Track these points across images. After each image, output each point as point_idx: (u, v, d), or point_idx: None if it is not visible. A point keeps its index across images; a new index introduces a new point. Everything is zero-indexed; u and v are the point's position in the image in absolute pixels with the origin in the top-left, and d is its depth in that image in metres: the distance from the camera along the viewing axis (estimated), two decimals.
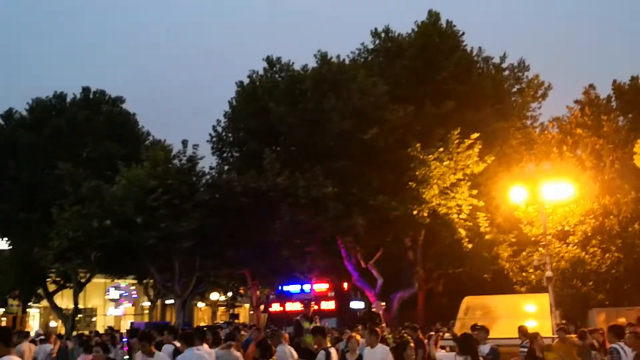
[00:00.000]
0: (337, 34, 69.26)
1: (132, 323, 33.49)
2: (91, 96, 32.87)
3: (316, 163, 23.16)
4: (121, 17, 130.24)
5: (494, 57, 28.75)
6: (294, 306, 31.01)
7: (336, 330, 18.43)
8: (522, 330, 11.50)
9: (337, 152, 23.62)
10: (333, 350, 9.02)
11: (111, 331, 22.67)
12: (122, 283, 37.39)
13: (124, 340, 17.34)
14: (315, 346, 9.88)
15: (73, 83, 36.11)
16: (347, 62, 26.81)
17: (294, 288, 32.24)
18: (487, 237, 22.92)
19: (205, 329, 11.76)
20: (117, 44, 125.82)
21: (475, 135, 22.22)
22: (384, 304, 20.27)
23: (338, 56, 26.08)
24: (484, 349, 9.80)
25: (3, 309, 32.16)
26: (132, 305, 43.66)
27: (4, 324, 31.57)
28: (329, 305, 31.07)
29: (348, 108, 23.43)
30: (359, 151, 23.38)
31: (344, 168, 23.27)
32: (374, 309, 23.58)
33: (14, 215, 29.13)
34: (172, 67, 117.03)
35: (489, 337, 10.70)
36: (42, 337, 18.99)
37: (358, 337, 11.51)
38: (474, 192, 22.48)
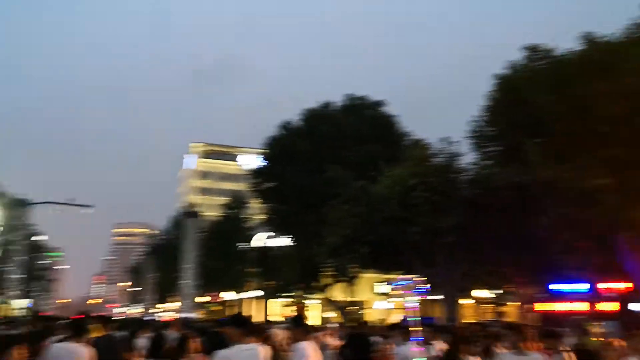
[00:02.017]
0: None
1: (402, 318, 34.71)
2: (354, 102, 35.02)
3: (585, 152, 21.45)
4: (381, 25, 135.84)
5: None
6: (566, 306, 29.03)
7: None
8: None
9: (609, 139, 21.57)
10: None
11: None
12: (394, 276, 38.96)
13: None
14: None
15: (338, 91, 38.82)
16: (615, 40, 24.25)
17: (566, 287, 30.16)
18: None
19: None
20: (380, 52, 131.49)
21: None
22: None
23: (604, 36, 23.78)
24: None
25: (290, 299, 35.94)
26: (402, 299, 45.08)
27: (291, 312, 35.27)
28: (608, 306, 28.40)
29: (621, 90, 21.24)
30: (636, 136, 21.03)
31: (619, 156, 21.13)
32: None
33: (293, 216, 32.39)
34: (430, 68, 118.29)
35: None
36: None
37: None
38: None
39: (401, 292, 13.03)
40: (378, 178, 26.21)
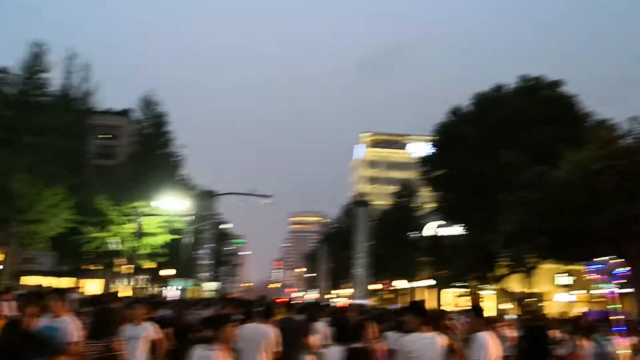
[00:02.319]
0: None
1: (585, 311, 32.44)
2: (528, 83, 33.21)
3: None
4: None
5: None
6: None
7: None
8: None
9: None
10: None
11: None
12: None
13: None
14: None
15: (511, 73, 36.94)
16: None
17: None
18: None
19: None
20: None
21: None
22: None
23: None
24: None
25: (464, 289, 35.30)
26: (586, 292, 42.26)
27: (466, 303, 34.61)
28: None
29: None
30: None
31: None
32: None
33: (465, 204, 31.61)
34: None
35: None
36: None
37: None
38: None
39: (595, 277, 11.93)
40: (556, 163, 24.65)
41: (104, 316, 10.38)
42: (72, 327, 7.31)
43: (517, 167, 25.97)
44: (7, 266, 33.04)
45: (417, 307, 6.31)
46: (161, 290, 53.08)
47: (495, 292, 40.42)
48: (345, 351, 5.28)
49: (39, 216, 29.11)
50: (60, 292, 7.97)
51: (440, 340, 6.01)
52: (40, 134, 32.94)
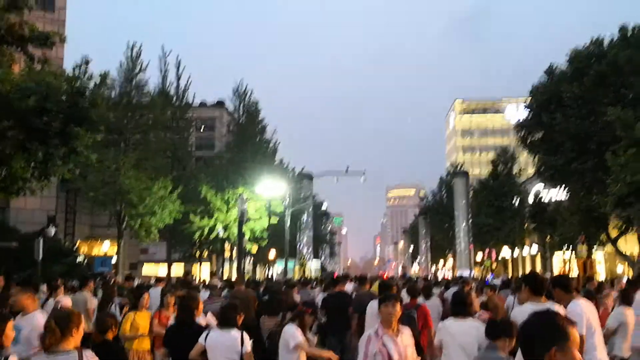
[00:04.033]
0: None
1: None
2: (630, 33, 31.03)
3: None
4: None
5: None
6: None
7: None
8: None
9: None
10: None
11: None
12: None
13: None
14: None
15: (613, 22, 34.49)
16: None
17: None
18: None
19: None
20: None
21: None
22: None
23: None
24: None
25: (573, 253, 33.90)
26: None
27: (574, 269, 33.34)
28: None
29: None
30: None
31: None
32: None
33: (568, 166, 30.25)
34: None
35: None
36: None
37: None
38: None
39: None
40: None
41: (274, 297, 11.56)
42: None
43: (624, 123, 24.46)
44: (124, 257, 35.44)
45: (530, 278, 6.17)
46: (267, 272, 54.86)
47: (603, 254, 38.67)
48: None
49: (149, 209, 30.87)
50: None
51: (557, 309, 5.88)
52: (144, 131, 34.84)
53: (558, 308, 5.85)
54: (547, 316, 2.58)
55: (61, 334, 4.33)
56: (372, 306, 8.14)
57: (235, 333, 6.19)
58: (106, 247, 39.23)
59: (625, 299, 8.53)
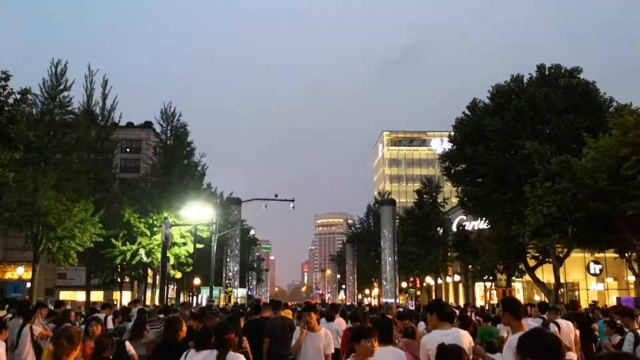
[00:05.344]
0: None
1: (617, 298, 32.04)
2: (547, 72, 32.84)
3: None
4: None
5: None
6: None
7: None
8: None
9: None
10: None
11: None
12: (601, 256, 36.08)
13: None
14: None
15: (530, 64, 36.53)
16: None
17: None
18: None
19: None
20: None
21: None
22: None
23: None
24: None
25: (493, 283, 34.94)
26: (615, 280, 41.83)
27: (496, 297, 34.32)
28: None
29: None
30: None
31: None
32: None
33: (489, 197, 31.36)
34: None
35: None
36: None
37: None
38: None
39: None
40: (581, 151, 24.37)
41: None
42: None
43: (541, 158, 25.70)
44: (40, 282, 33.64)
45: (436, 305, 6.29)
46: (192, 299, 53.47)
47: (521, 283, 40.09)
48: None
49: (69, 232, 29.57)
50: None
51: (463, 335, 6.01)
52: (66, 151, 33.48)
53: (463, 334, 6.03)
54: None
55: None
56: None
57: (209, 354, 6.04)
58: (20, 272, 37.24)
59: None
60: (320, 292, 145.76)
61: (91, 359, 6.62)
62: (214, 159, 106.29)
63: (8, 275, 37.48)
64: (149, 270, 42.68)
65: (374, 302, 60.99)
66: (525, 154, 27.32)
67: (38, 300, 23.73)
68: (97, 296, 43.17)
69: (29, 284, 31.80)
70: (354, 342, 5.51)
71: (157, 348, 7.73)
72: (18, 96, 21.37)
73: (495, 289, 33.55)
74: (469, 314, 13.53)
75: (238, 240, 51.50)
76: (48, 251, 31.04)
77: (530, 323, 8.99)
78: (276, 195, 45.02)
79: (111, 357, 6.54)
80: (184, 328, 7.72)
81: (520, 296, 42.17)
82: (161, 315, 13.41)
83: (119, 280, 43.65)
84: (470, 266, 43.95)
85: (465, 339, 5.93)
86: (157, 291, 39.67)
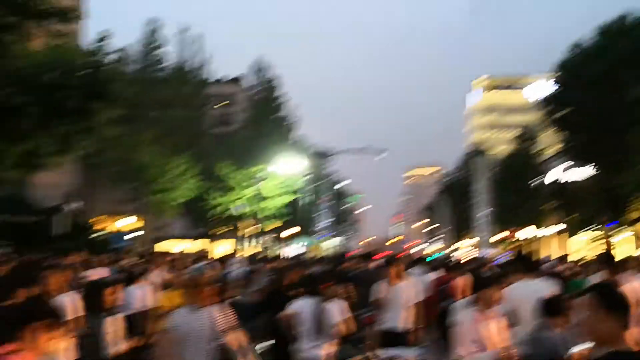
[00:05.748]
0: None
1: None
2: None
3: None
4: None
5: None
6: None
7: None
8: None
9: None
10: None
11: None
12: None
13: None
14: None
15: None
16: None
17: None
18: None
19: None
20: None
21: None
22: None
23: None
24: None
25: (596, 234, 33.51)
26: None
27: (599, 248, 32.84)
28: None
29: None
30: None
31: None
32: None
33: (592, 144, 29.67)
34: None
35: None
36: None
37: None
38: None
39: None
40: None
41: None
42: None
43: None
44: (145, 233, 35.72)
45: (523, 257, 6.22)
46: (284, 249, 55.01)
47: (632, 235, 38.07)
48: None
49: (168, 185, 30.97)
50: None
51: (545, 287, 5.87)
52: (162, 107, 34.79)
53: (547, 285, 5.97)
54: None
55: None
56: None
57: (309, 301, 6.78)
58: (126, 222, 39.56)
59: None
60: (412, 242, 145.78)
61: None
62: (307, 108, 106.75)
63: (114, 228, 39.89)
64: (244, 222, 44.13)
65: (469, 254, 60.17)
66: (633, 98, 25.49)
67: (144, 250, 25.25)
68: (201, 246, 45.36)
69: (127, 236, 33.80)
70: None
71: (266, 294, 8.68)
72: (116, 55, 22.21)
73: (599, 239, 32.14)
74: (561, 267, 13.02)
75: (330, 192, 52.07)
76: (149, 204, 32.78)
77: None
78: (367, 147, 44.88)
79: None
80: (291, 277, 8.48)
81: (624, 249, 40.10)
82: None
83: (216, 231, 45.47)
84: (569, 217, 42.19)
85: (547, 290, 5.81)
86: (254, 242, 41.07)
